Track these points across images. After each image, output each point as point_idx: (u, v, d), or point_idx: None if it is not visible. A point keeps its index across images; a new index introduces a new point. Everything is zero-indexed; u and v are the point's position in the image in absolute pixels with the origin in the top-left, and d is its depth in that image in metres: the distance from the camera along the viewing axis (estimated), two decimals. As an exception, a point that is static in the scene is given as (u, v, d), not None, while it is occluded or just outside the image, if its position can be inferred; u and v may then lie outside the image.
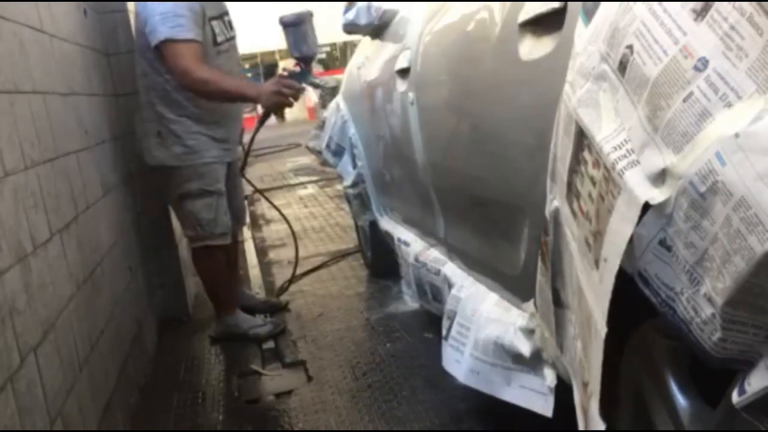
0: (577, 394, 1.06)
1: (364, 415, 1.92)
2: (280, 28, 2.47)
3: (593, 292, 0.86)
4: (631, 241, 0.76)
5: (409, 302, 2.33)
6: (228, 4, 2.62)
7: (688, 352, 0.79)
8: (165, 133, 2.45)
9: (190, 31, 2.31)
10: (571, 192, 0.93)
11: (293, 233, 3.26)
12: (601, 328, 0.83)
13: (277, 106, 2.48)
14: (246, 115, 3.06)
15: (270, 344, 2.57)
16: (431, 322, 2.06)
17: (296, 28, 2.43)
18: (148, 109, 2.48)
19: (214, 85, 2.34)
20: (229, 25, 2.56)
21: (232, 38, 2.57)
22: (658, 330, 0.94)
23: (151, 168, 2.57)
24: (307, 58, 2.49)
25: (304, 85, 2.48)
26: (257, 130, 2.74)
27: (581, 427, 1.03)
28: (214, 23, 2.45)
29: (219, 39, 2.46)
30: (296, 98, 2.47)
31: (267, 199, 3.30)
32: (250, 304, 2.90)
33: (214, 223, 2.53)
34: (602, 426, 0.89)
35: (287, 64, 2.57)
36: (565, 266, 1.07)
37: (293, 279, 3.24)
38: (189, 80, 2.32)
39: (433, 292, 2.05)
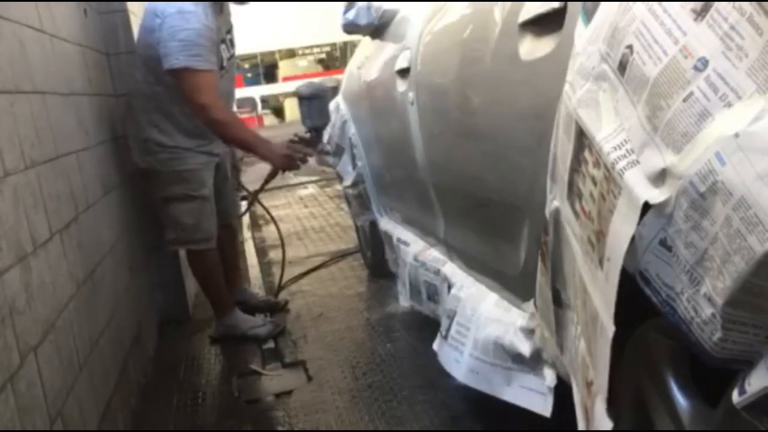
0: (579, 393, 1.05)
1: (364, 415, 1.92)
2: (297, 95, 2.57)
3: (599, 291, 0.86)
4: (632, 240, 0.76)
5: (402, 302, 2.34)
6: (228, 4, 2.61)
7: (688, 352, 0.79)
8: (153, 140, 2.47)
9: (207, 62, 2.34)
10: (573, 192, 0.93)
11: (281, 238, 3.29)
12: (609, 327, 0.83)
13: (285, 168, 2.58)
14: (243, 116, 3.11)
15: (270, 344, 2.57)
16: (431, 322, 2.07)
17: (312, 101, 2.52)
18: (141, 114, 2.50)
19: (231, 130, 2.42)
20: (231, 44, 2.59)
21: (232, 56, 2.61)
22: (658, 330, 0.94)
23: (138, 168, 2.59)
24: (319, 128, 2.57)
25: (310, 151, 2.58)
26: (265, 184, 2.82)
27: (581, 426, 1.03)
28: (221, 47, 2.48)
29: (223, 64, 2.50)
30: (304, 162, 2.57)
31: (262, 205, 3.34)
32: (252, 302, 2.92)
33: (195, 228, 2.53)
34: (609, 425, 0.88)
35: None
36: (566, 266, 1.07)
37: (281, 286, 3.22)
38: (206, 117, 2.36)
39: (429, 291, 2.05)
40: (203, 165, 2.55)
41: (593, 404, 0.94)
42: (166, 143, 2.47)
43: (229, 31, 2.59)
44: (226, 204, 2.78)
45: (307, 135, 2.56)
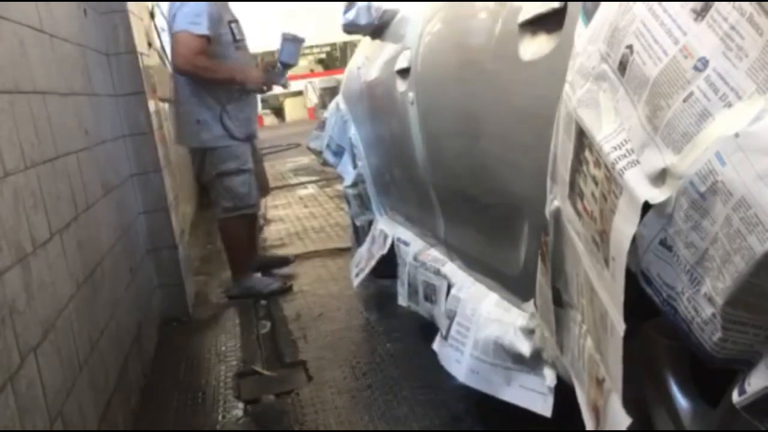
0: (584, 393, 1.05)
1: (364, 415, 1.92)
2: (280, 37, 3.24)
3: (606, 290, 0.86)
4: (634, 240, 0.76)
5: (400, 302, 2.34)
6: (231, 5, 3.19)
7: (688, 352, 0.79)
8: (204, 118, 3.01)
9: (203, 29, 2.87)
10: (574, 192, 0.93)
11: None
12: (619, 325, 0.83)
13: (256, 89, 3.23)
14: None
15: (270, 344, 2.58)
16: (431, 323, 2.07)
17: (292, 44, 3.22)
18: (187, 103, 3.03)
19: (216, 73, 2.97)
20: (242, 31, 3.17)
21: (245, 40, 3.20)
22: (658, 330, 0.94)
23: (192, 151, 3.17)
24: (288, 66, 3.29)
25: (276, 80, 3.31)
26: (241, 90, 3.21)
27: (590, 426, 1.02)
28: (233, 26, 3.07)
29: (237, 37, 3.08)
30: (270, 89, 3.32)
31: None
32: (265, 262, 3.54)
33: (249, 195, 3.13)
34: (627, 421, 0.88)
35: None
36: (568, 265, 1.07)
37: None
38: (191, 66, 2.89)
39: (427, 292, 2.05)
40: (245, 139, 3.11)
41: (606, 402, 0.94)
42: (218, 115, 3.01)
43: (238, 21, 3.16)
44: (259, 176, 3.32)
45: (276, 70, 3.26)
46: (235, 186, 3.09)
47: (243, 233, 3.23)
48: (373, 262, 2.67)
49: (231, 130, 3.05)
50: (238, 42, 3.09)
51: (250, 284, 3.23)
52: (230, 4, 3.21)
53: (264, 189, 3.48)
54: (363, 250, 2.83)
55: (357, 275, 2.78)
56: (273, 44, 4.03)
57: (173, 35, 2.90)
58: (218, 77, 2.99)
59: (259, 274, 3.37)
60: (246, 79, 3.08)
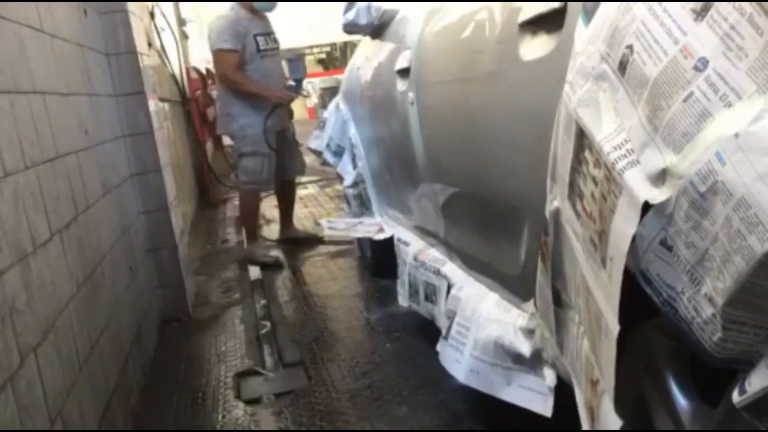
0: (582, 393, 1.05)
1: (364, 415, 1.92)
2: (284, 61, 3.92)
3: (602, 291, 0.86)
4: (633, 240, 0.76)
5: (401, 302, 2.34)
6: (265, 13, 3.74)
7: (688, 352, 0.79)
8: (231, 113, 3.74)
9: (231, 45, 3.58)
10: (574, 192, 0.93)
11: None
12: (613, 326, 0.83)
13: (279, 103, 3.78)
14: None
15: (270, 344, 2.58)
16: (431, 323, 2.07)
17: (296, 63, 3.94)
18: (221, 99, 3.81)
19: (243, 86, 3.67)
20: (274, 40, 3.77)
21: (275, 49, 3.78)
22: (658, 330, 0.94)
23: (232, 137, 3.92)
24: (300, 80, 3.94)
25: (294, 94, 3.92)
26: (271, 113, 3.77)
27: (586, 426, 1.02)
28: (259, 38, 3.66)
29: (261, 47, 3.67)
30: (290, 101, 3.92)
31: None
32: (297, 236, 4.15)
33: (259, 174, 3.75)
34: (618, 423, 0.88)
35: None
36: (567, 266, 1.07)
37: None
38: (227, 79, 3.68)
39: (427, 292, 2.05)
40: (264, 131, 3.69)
41: (599, 403, 0.94)
42: (238, 113, 3.70)
43: (272, 33, 3.76)
44: (287, 163, 3.95)
45: (293, 84, 3.90)
46: (249, 165, 3.75)
47: (253, 205, 3.86)
48: (351, 231, 2.99)
49: (246, 124, 3.71)
50: (263, 52, 3.68)
51: (253, 250, 3.83)
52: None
53: (284, 172, 3.98)
54: (347, 220, 3.10)
55: (329, 227, 3.17)
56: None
57: (212, 53, 3.68)
58: (249, 90, 3.68)
59: (259, 243, 3.94)
60: (270, 95, 3.74)
